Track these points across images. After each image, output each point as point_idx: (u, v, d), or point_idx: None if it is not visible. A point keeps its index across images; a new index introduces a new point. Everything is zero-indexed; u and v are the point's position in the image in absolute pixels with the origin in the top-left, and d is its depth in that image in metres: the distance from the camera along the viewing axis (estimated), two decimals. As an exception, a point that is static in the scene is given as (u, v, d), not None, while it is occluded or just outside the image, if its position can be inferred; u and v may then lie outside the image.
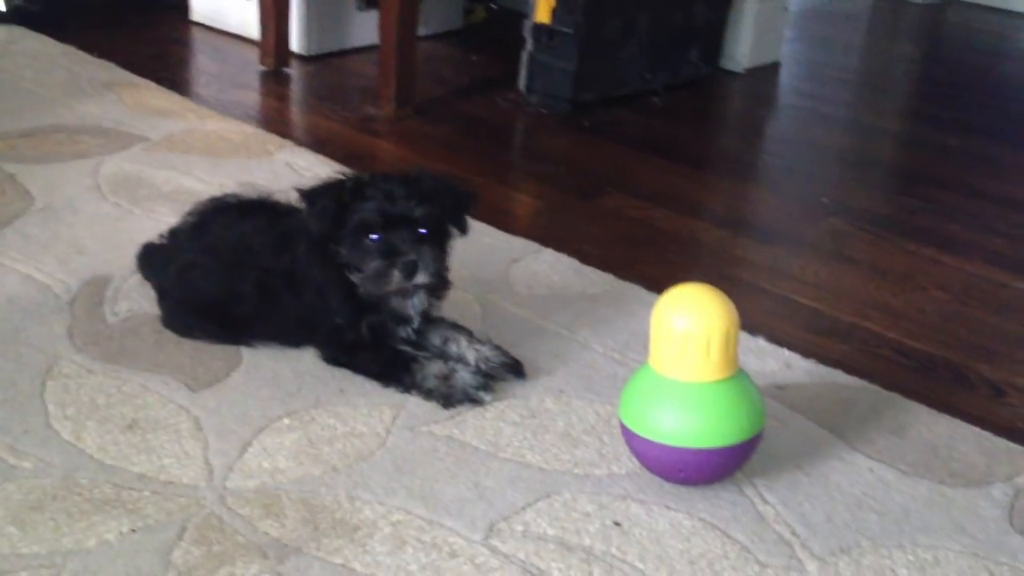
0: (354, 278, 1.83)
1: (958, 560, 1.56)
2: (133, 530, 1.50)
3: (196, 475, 1.62)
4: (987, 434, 1.84)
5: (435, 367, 1.84)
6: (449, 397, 1.82)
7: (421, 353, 1.88)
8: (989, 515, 1.66)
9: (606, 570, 1.50)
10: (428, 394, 1.83)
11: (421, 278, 1.80)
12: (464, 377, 1.84)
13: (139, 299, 2.04)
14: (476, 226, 1.98)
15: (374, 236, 1.80)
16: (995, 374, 2.05)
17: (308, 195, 1.84)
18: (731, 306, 1.62)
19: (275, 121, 3.05)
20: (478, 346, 1.89)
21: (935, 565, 1.55)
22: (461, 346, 1.89)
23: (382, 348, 1.87)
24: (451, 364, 1.86)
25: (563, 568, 1.49)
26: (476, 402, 1.82)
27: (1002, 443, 1.82)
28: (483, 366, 1.87)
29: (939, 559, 1.56)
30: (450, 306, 1.96)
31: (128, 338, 1.93)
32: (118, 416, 1.73)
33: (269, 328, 1.93)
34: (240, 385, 1.83)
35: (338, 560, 1.48)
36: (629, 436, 1.66)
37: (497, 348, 1.91)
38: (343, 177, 1.85)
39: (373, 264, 1.80)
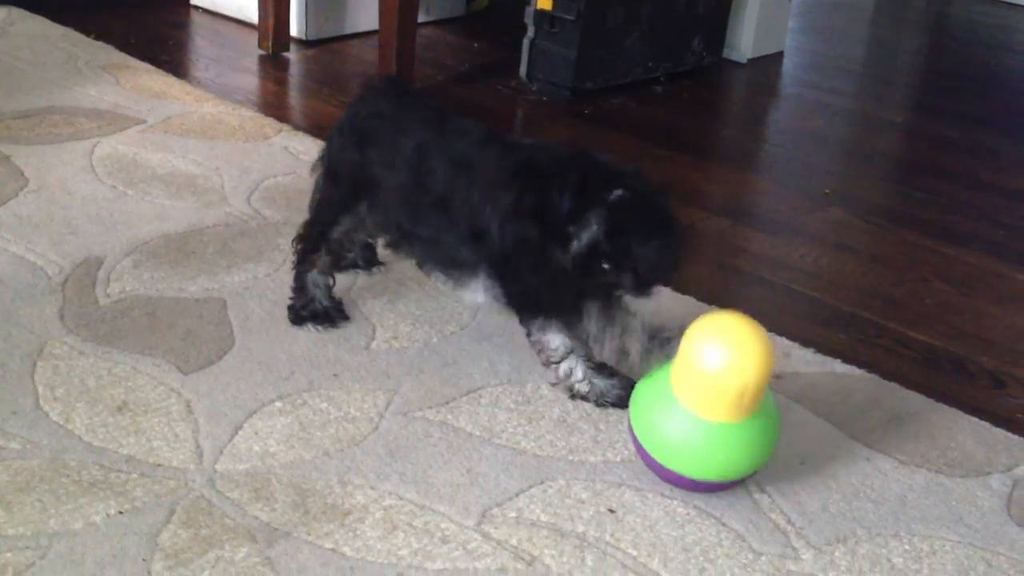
0: None
1: (955, 550, 1.55)
2: (120, 512, 1.49)
3: (186, 458, 1.60)
4: (986, 425, 1.82)
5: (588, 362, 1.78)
6: (585, 395, 1.79)
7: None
8: (987, 505, 1.64)
9: (599, 557, 1.48)
10: (567, 377, 1.78)
11: None
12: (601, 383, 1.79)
13: (131, 280, 2.02)
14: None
15: None
16: (995, 365, 2.03)
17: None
18: (770, 348, 1.51)
19: (273, 105, 3.03)
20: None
21: (932, 555, 1.53)
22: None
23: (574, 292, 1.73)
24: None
25: (556, 554, 1.48)
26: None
27: (1001, 434, 1.80)
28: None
29: (936, 549, 1.55)
30: (449, 297, 1.94)
31: (120, 320, 1.92)
32: (108, 398, 1.72)
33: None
34: (232, 368, 1.82)
35: (328, 544, 1.46)
36: (643, 453, 1.60)
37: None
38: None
39: None
